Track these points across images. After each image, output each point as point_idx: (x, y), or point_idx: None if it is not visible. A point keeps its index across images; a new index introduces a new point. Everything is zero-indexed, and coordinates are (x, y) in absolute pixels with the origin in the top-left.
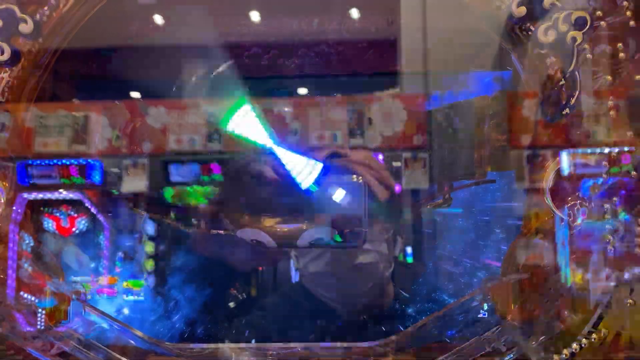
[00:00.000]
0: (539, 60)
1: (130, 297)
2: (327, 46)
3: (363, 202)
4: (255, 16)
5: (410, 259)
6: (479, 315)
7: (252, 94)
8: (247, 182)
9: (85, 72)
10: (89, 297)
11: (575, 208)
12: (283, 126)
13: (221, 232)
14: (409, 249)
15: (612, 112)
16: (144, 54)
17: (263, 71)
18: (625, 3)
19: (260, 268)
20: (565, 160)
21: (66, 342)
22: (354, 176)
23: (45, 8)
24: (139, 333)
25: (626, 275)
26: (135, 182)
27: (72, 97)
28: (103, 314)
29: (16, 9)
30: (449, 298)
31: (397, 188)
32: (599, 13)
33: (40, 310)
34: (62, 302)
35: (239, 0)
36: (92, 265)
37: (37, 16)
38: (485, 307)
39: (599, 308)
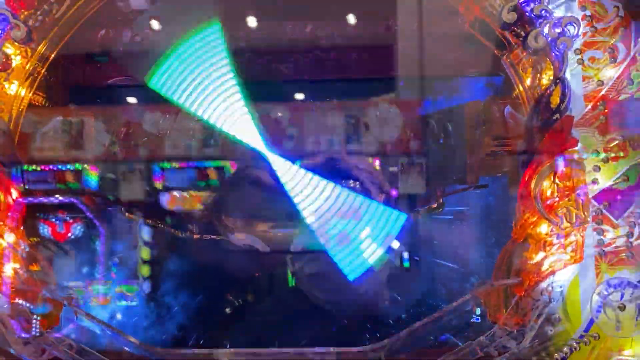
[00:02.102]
0: (530, 65)
1: (124, 303)
2: (322, 51)
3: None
4: (252, 21)
5: (407, 264)
6: (471, 320)
7: (249, 98)
8: (244, 187)
9: (79, 77)
10: (81, 302)
11: (566, 213)
12: (279, 131)
13: (214, 237)
14: (405, 254)
15: (602, 117)
16: (138, 59)
17: (259, 76)
18: (614, 9)
19: (257, 274)
20: (555, 165)
21: (58, 348)
22: (351, 181)
23: (38, 14)
24: (131, 339)
25: (616, 280)
26: (131, 188)
27: (67, 103)
28: (95, 320)
29: (9, 14)
30: (442, 302)
31: (393, 192)
32: (588, 19)
33: (35, 316)
34: (56, 308)
35: (235, 5)
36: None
37: (30, 22)
38: (478, 311)
39: (590, 312)
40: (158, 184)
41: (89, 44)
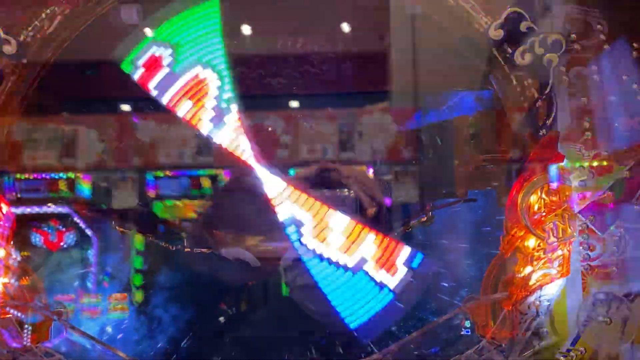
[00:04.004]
0: (517, 81)
1: (116, 315)
2: (313, 65)
3: None
4: (246, 30)
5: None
6: (461, 333)
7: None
8: (237, 197)
9: (70, 91)
10: (72, 315)
11: (553, 227)
12: (272, 141)
13: (204, 250)
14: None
15: (588, 133)
16: None
17: (251, 88)
18: (599, 27)
19: (250, 283)
20: (544, 180)
21: None
22: (345, 190)
23: (30, 29)
24: (121, 354)
25: (602, 294)
26: (124, 197)
27: (60, 113)
28: (85, 335)
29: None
30: (432, 316)
31: (386, 201)
32: (573, 36)
33: (26, 326)
34: (46, 320)
35: (228, 17)
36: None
37: (21, 37)
38: (468, 324)
39: (576, 326)
40: (151, 194)
41: (80, 58)
